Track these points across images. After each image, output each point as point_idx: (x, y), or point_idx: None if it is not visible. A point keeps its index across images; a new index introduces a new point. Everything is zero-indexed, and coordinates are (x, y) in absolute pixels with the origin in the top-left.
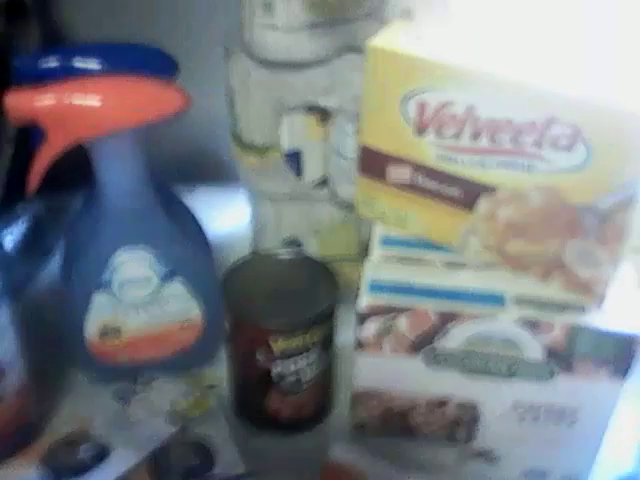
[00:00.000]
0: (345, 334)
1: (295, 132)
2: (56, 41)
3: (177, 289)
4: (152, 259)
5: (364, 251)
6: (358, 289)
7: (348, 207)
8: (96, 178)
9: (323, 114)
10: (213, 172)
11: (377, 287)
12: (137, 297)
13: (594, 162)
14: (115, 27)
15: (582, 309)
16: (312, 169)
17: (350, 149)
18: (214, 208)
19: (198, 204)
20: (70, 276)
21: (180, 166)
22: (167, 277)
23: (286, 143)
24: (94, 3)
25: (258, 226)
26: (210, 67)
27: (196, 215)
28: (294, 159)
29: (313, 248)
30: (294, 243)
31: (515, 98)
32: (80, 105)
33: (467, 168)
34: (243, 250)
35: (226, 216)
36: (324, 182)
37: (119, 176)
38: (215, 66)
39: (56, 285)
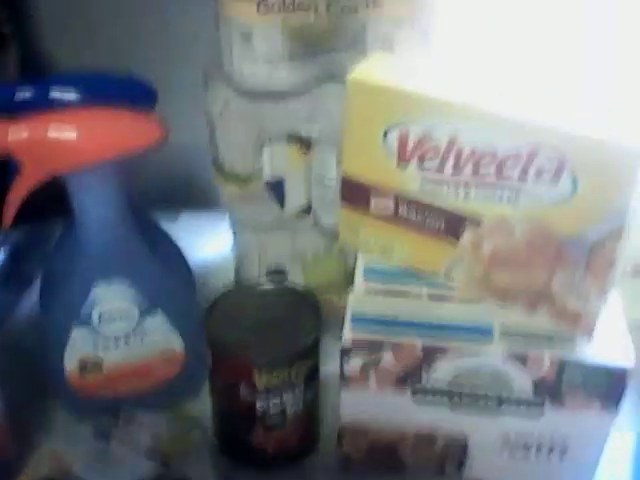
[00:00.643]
0: (331, 364)
1: (277, 161)
2: (35, 69)
3: (158, 322)
4: (132, 292)
5: (349, 278)
6: (343, 318)
7: (332, 235)
8: (73, 210)
9: (305, 142)
10: (197, 198)
11: (361, 321)
12: (117, 330)
13: (580, 193)
14: (95, 55)
15: (571, 341)
16: (295, 197)
17: (332, 177)
18: (198, 234)
19: (182, 230)
20: (49, 309)
21: (163, 192)
22: (148, 310)
23: (268, 172)
24: (74, 32)
25: (241, 255)
26: (192, 92)
27: (178, 244)
28: (276, 188)
29: (297, 276)
30: (278, 272)
31: (498, 129)
32: (56, 138)
33: (451, 199)
34: (227, 277)
35: (210, 242)
36: (307, 210)
37: (97, 208)
38: (197, 91)
39: (35, 315)
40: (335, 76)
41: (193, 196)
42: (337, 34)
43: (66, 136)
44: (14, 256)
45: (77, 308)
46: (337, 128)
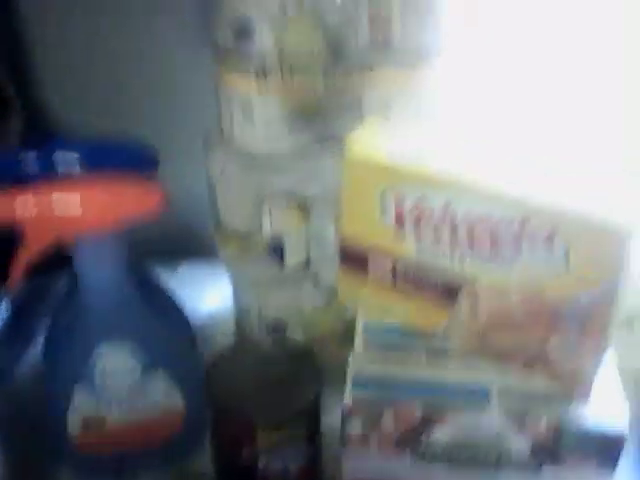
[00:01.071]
0: (332, 415)
1: (276, 219)
2: (38, 131)
3: (159, 380)
4: (134, 352)
5: (348, 329)
6: (344, 370)
7: (331, 290)
8: (76, 272)
9: (303, 202)
10: (196, 248)
11: (361, 383)
12: (119, 389)
13: (572, 262)
14: (98, 118)
15: (568, 402)
16: (294, 254)
17: (331, 235)
18: (198, 285)
19: (182, 281)
20: (52, 370)
21: (163, 242)
22: (149, 369)
23: (267, 230)
24: (77, 95)
25: (241, 310)
26: (192, 146)
27: (178, 296)
28: (276, 246)
29: (297, 331)
30: (278, 327)
31: (491, 203)
32: (60, 210)
33: (448, 264)
34: (227, 329)
35: (210, 293)
36: (306, 265)
37: (99, 272)
38: (196, 145)
39: (38, 372)
40: (332, 140)
41: (193, 247)
42: (334, 102)
43: (70, 207)
44: (17, 311)
45: (80, 368)
46: (335, 189)
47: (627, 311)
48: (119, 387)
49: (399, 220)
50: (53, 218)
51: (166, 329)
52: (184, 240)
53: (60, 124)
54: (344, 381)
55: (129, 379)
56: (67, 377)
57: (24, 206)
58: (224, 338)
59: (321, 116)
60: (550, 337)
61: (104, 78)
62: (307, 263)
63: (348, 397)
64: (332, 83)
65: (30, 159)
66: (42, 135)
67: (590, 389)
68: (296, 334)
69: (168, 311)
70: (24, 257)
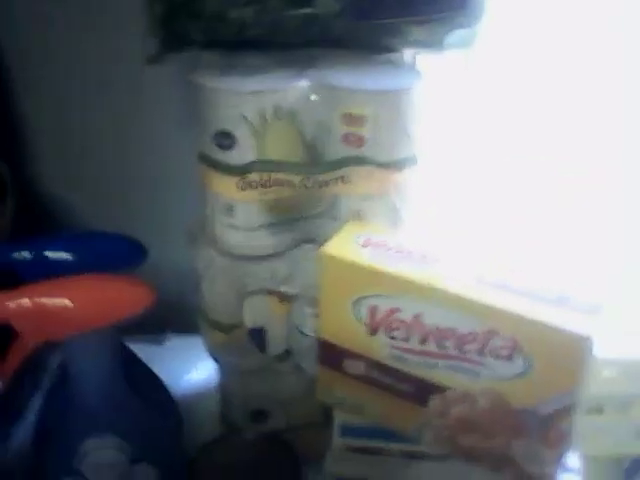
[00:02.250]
0: None
1: (258, 311)
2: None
3: (145, 472)
4: (121, 445)
5: (329, 417)
6: (322, 455)
7: (312, 378)
8: (67, 368)
9: (284, 295)
10: (183, 321)
11: None
12: None
13: (533, 372)
14: (89, 213)
15: None
16: (276, 344)
17: (311, 327)
18: (185, 357)
19: (168, 354)
20: (40, 459)
21: (150, 315)
22: (136, 461)
23: (250, 322)
24: (70, 190)
25: (226, 397)
26: (178, 222)
27: (163, 382)
28: (258, 336)
29: (280, 418)
30: (261, 414)
31: (458, 310)
32: (52, 310)
33: (418, 368)
34: (212, 403)
35: (197, 366)
36: (288, 354)
37: (89, 369)
38: (183, 220)
39: (27, 454)
40: (311, 239)
41: (180, 319)
42: (311, 205)
43: (62, 308)
44: (9, 386)
45: (68, 460)
46: (314, 286)
47: (596, 397)
48: (106, 478)
49: (372, 327)
50: (46, 319)
51: (153, 421)
52: (170, 314)
53: (50, 216)
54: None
55: (115, 472)
56: (55, 469)
57: (17, 308)
58: (209, 414)
59: (300, 219)
60: (513, 441)
61: (96, 170)
62: (288, 353)
63: None
64: (309, 191)
65: (22, 251)
66: (32, 225)
67: None
68: (278, 421)
69: (154, 399)
70: (18, 353)
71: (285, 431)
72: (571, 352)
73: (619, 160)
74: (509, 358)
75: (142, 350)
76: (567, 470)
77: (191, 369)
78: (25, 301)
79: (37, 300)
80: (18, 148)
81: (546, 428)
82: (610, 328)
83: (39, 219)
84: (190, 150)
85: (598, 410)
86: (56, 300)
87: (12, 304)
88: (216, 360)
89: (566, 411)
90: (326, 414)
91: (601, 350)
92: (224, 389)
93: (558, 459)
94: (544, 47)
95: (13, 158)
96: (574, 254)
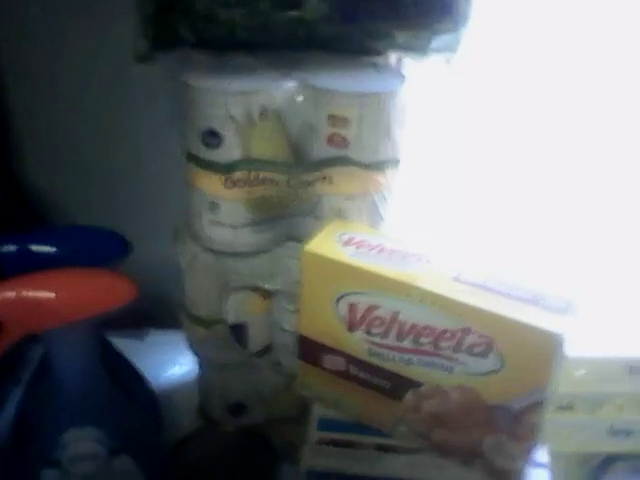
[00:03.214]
0: None
1: (239, 307)
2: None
3: (124, 463)
4: (101, 437)
5: (307, 413)
6: (300, 447)
7: (291, 374)
8: (48, 360)
9: (265, 291)
10: (164, 316)
11: (313, 477)
12: (86, 471)
13: (506, 369)
14: (75, 208)
15: None
16: (256, 340)
17: (291, 324)
18: (165, 352)
19: (149, 349)
20: (20, 451)
21: (131, 310)
22: (115, 453)
23: (231, 317)
24: (56, 185)
25: (205, 390)
26: (163, 218)
27: (144, 376)
28: (239, 331)
29: (258, 412)
30: (240, 407)
31: (435, 308)
32: (36, 301)
33: (394, 364)
34: (192, 398)
35: (177, 360)
36: (268, 349)
37: (70, 361)
38: (167, 221)
39: (4, 449)
40: (293, 237)
41: (161, 314)
42: (295, 204)
43: (45, 300)
44: None
45: (48, 451)
46: (296, 283)
47: (568, 396)
48: (86, 471)
49: (351, 324)
50: (29, 311)
51: (133, 414)
52: (152, 309)
53: (36, 201)
54: (299, 459)
55: (95, 461)
56: (35, 459)
57: (2, 299)
58: (189, 408)
59: (283, 217)
60: (485, 436)
61: (82, 168)
62: (268, 349)
63: None
64: (293, 190)
65: (8, 245)
66: (18, 220)
67: None
68: (257, 415)
69: (134, 392)
70: (1, 344)
71: (263, 425)
72: (543, 349)
73: (596, 160)
74: (483, 355)
75: (123, 345)
76: (537, 465)
77: (171, 364)
78: (9, 293)
79: (21, 292)
80: (4, 143)
81: (516, 423)
82: (582, 328)
83: (25, 214)
84: (177, 147)
85: (569, 408)
86: (39, 293)
87: None
88: (196, 355)
89: (536, 406)
90: (304, 409)
91: (573, 349)
92: (203, 383)
93: (527, 454)
94: (529, 51)
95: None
96: (549, 254)
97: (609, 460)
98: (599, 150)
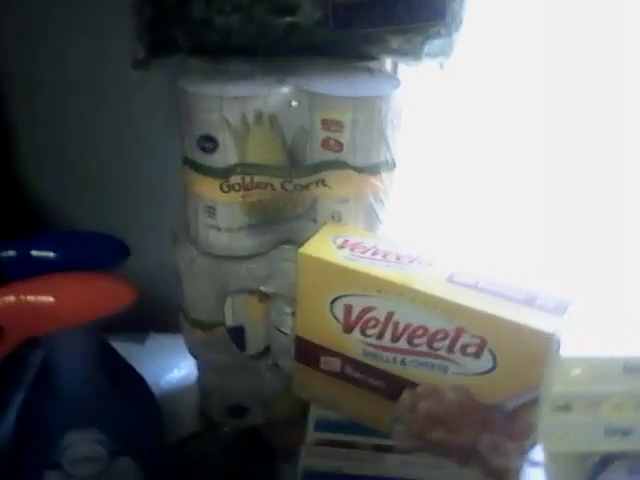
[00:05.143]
0: None
1: (238, 310)
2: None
3: (126, 465)
4: (102, 439)
5: (305, 414)
6: (298, 450)
7: (289, 376)
8: (49, 363)
9: (263, 294)
10: (165, 320)
11: (311, 477)
12: (87, 474)
13: (500, 368)
14: (74, 214)
15: None
16: (254, 342)
17: (288, 326)
18: (165, 356)
19: (149, 352)
20: (21, 452)
21: (131, 314)
22: (116, 454)
23: (229, 320)
24: (55, 191)
25: (204, 392)
26: (161, 223)
27: (143, 380)
28: (238, 334)
29: (258, 414)
30: (239, 409)
31: (429, 309)
32: (36, 305)
33: (390, 364)
34: (193, 401)
35: (177, 364)
36: (266, 351)
37: (70, 364)
38: (166, 226)
39: (6, 450)
40: (290, 241)
41: (161, 318)
42: (291, 207)
43: (45, 305)
44: None
45: (49, 453)
46: (292, 285)
47: (565, 396)
48: (87, 473)
49: (347, 325)
50: (30, 314)
51: (134, 416)
52: (152, 313)
53: (35, 206)
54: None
55: (97, 466)
56: (37, 461)
57: (3, 303)
58: (189, 410)
59: (279, 220)
60: (480, 435)
61: (82, 165)
62: (266, 350)
63: None
64: (289, 193)
65: (8, 250)
66: (17, 226)
67: None
68: (256, 417)
69: (135, 394)
70: (3, 348)
71: (262, 427)
72: (536, 349)
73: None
74: (477, 355)
75: (123, 349)
76: (533, 464)
77: (171, 368)
78: (10, 298)
79: (21, 296)
80: (4, 148)
81: (511, 422)
82: (578, 327)
83: (24, 220)
84: (174, 153)
85: (566, 408)
86: (40, 297)
87: None
88: (196, 357)
89: (531, 405)
90: (303, 411)
91: (570, 349)
92: (203, 385)
93: (523, 452)
94: (522, 54)
95: None
96: (544, 254)
97: (606, 459)
98: (595, 150)
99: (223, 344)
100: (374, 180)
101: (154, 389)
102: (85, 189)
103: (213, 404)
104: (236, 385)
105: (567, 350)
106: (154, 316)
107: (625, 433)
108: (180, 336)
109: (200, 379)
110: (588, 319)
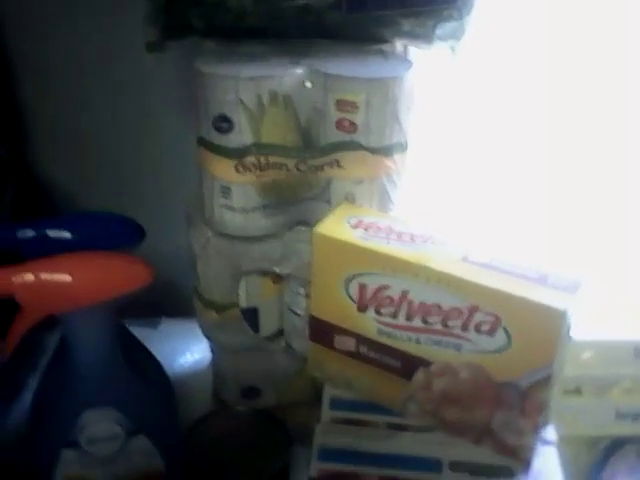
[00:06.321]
0: (302, 473)
1: (252, 291)
2: (27, 197)
3: (141, 443)
4: (119, 418)
5: (319, 396)
6: (312, 434)
7: (302, 358)
8: (66, 342)
9: (277, 275)
10: (178, 305)
11: (326, 454)
12: (104, 451)
13: (513, 346)
14: (88, 196)
15: (511, 473)
16: (268, 324)
17: (302, 307)
18: (179, 340)
19: (163, 337)
20: (39, 432)
21: (145, 298)
22: (133, 433)
23: (243, 301)
24: (69, 174)
25: (218, 375)
26: (176, 205)
27: (158, 361)
28: (251, 315)
29: (271, 395)
30: (253, 391)
31: (443, 287)
32: (54, 285)
33: (404, 343)
34: (206, 385)
35: (191, 349)
36: (280, 333)
37: (88, 343)
38: (180, 209)
39: (24, 430)
40: (304, 221)
41: (174, 303)
42: (305, 188)
43: (63, 283)
44: (7, 365)
45: (66, 432)
46: (306, 267)
47: (575, 379)
48: (104, 452)
49: (361, 304)
50: (48, 294)
51: (149, 395)
52: (165, 297)
53: (49, 190)
54: (312, 441)
55: (113, 444)
56: (54, 440)
57: (22, 282)
58: (203, 393)
59: (294, 201)
60: (494, 413)
61: (96, 152)
62: (280, 332)
63: (314, 468)
64: (303, 174)
65: (26, 231)
66: (32, 209)
67: (530, 461)
68: (269, 399)
69: (150, 375)
70: (21, 326)
71: (275, 408)
72: (549, 326)
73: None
74: (491, 333)
75: (138, 333)
76: (545, 442)
77: (184, 352)
78: (28, 276)
79: (39, 275)
80: (18, 133)
81: (525, 400)
82: (589, 310)
83: (39, 203)
84: (188, 134)
85: (577, 391)
86: (57, 275)
87: (16, 278)
88: (209, 339)
89: (544, 383)
90: (316, 392)
91: (580, 333)
92: (217, 367)
93: (536, 430)
94: (534, 38)
95: (13, 143)
96: (556, 236)
97: (616, 443)
98: (609, 130)
99: (237, 326)
100: (388, 161)
101: (168, 372)
102: (99, 172)
103: (227, 386)
104: (250, 367)
105: (578, 333)
106: (167, 301)
107: (635, 417)
108: (193, 321)
109: (214, 361)
110: (599, 303)
